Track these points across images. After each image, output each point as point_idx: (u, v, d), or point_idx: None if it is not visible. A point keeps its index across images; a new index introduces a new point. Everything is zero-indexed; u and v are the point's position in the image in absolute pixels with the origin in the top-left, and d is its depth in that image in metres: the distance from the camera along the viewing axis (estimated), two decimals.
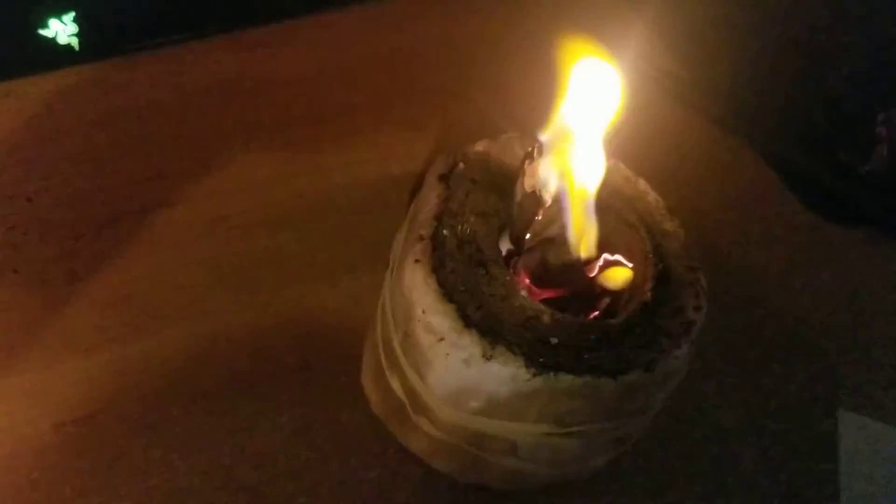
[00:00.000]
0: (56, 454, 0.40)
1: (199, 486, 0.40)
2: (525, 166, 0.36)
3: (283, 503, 0.41)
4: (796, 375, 0.50)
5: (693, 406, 0.48)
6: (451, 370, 0.34)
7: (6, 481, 0.39)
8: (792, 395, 0.49)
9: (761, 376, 0.50)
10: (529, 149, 0.36)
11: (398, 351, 0.37)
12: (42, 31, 0.53)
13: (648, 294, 0.36)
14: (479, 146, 0.40)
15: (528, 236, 0.38)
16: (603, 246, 0.38)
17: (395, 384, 0.39)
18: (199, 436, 0.42)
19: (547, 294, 0.38)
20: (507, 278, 0.36)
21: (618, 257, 0.38)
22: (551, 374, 0.33)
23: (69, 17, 0.53)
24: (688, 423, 0.47)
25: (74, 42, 0.54)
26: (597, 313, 0.38)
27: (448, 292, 0.34)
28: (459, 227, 0.37)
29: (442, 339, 0.34)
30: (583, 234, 0.37)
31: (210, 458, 0.41)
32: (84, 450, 0.41)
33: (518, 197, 0.37)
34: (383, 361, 0.40)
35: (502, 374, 0.33)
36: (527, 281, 0.38)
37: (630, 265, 0.38)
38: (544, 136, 0.36)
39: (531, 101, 0.62)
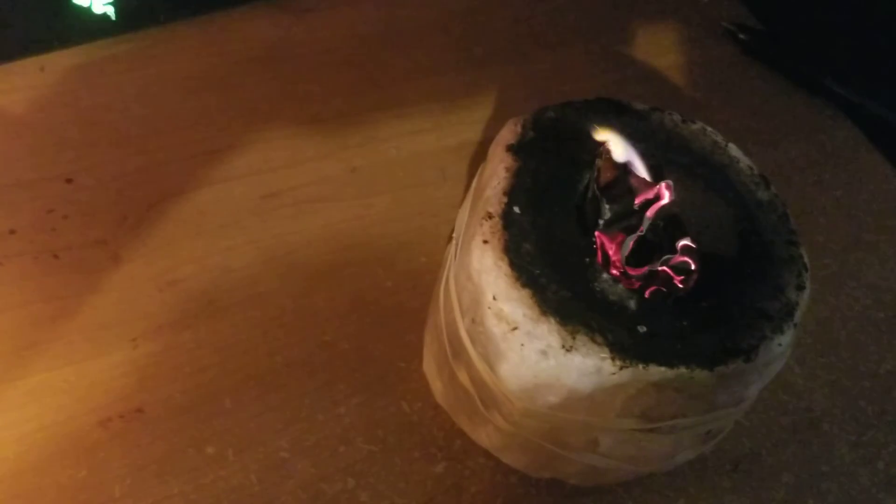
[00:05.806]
0: (103, 451, 0.38)
1: (255, 482, 0.38)
2: (598, 164, 0.33)
3: (343, 500, 0.38)
4: (893, 352, 0.47)
5: (781, 389, 0.44)
6: (526, 362, 0.31)
7: (51, 482, 0.37)
8: (889, 374, 0.46)
9: (854, 355, 0.46)
10: (601, 148, 0.34)
11: (465, 339, 0.34)
12: (76, 0, 0.50)
13: (744, 273, 0.33)
14: (550, 112, 0.36)
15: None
16: (686, 223, 0.34)
17: (462, 375, 0.36)
18: (254, 429, 0.40)
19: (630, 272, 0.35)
20: (587, 259, 0.32)
21: (686, 242, 0.34)
22: (640, 365, 0.30)
23: None
24: (775, 407, 0.44)
25: (110, 11, 0.51)
26: (681, 285, 0.34)
27: (521, 276, 0.31)
28: (532, 203, 0.33)
29: (515, 329, 0.31)
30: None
31: (266, 453, 0.39)
32: (133, 446, 0.38)
33: (591, 194, 0.34)
34: (447, 349, 0.37)
35: (584, 367, 0.30)
36: (608, 257, 0.34)
37: (695, 247, 0.34)
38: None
39: (591, 62, 0.58)
